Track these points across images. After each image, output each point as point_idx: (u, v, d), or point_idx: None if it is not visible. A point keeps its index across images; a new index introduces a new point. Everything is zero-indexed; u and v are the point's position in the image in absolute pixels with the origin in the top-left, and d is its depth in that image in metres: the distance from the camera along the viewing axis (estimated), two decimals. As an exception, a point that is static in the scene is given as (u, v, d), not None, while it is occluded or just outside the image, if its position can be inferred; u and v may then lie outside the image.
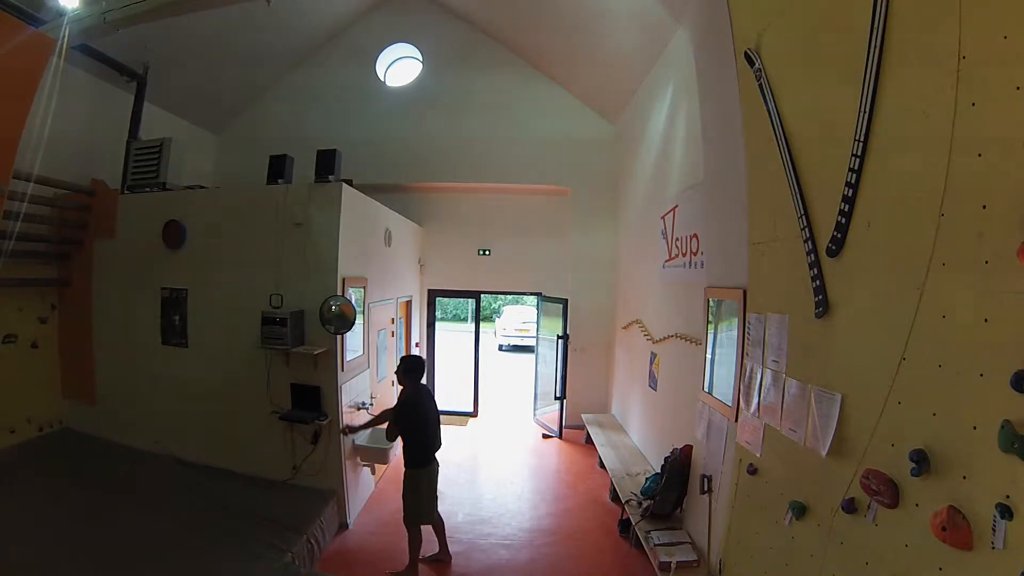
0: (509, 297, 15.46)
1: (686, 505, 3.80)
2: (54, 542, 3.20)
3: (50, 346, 4.90)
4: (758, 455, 2.60)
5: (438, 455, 3.84)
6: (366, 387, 4.85)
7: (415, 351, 7.31)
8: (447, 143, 7.00)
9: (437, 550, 3.91)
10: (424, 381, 3.95)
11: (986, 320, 1.35)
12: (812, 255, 2.14)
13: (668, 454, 3.96)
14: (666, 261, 4.66)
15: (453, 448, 6.46)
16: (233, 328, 4.36)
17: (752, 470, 2.65)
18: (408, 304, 7.00)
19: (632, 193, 6.27)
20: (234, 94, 6.94)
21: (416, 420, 3.69)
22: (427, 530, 3.82)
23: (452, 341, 11.79)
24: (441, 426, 3.91)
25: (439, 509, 3.90)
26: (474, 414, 7.78)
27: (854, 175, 1.86)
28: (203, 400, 4.51)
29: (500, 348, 15.51)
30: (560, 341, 6.97)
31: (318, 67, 7.15)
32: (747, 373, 2.74)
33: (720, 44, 3.00)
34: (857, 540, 1.83)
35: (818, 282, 2.10)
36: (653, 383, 4.96)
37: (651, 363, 5.01)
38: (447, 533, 3.97)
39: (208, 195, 4.82)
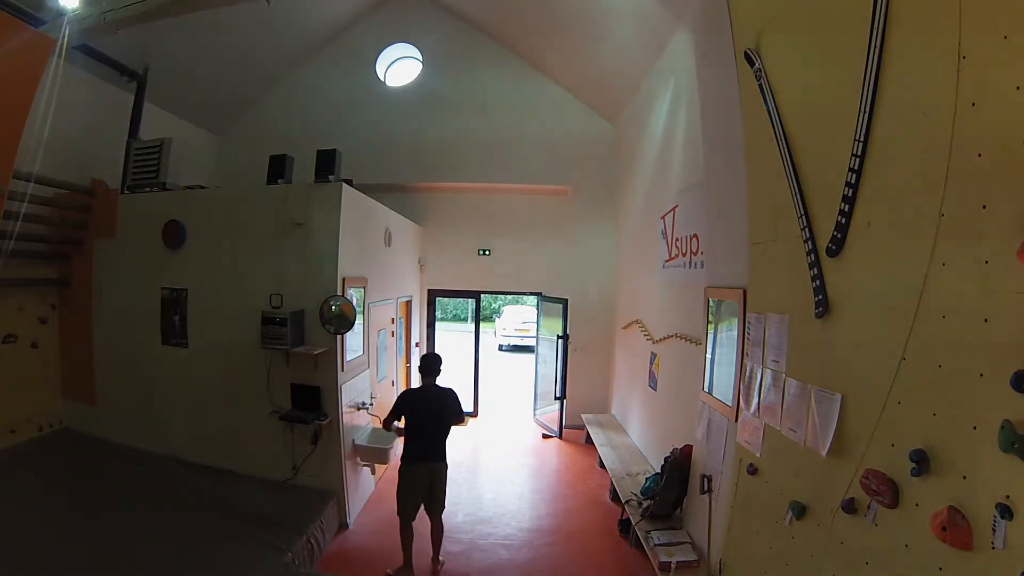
0: (509, 297, 15.45)
1: (686, 505, 3.80)
2: (54, 542, 3.20)
3: (50, 346, 4.90)
4: (758, 455, 2.60)
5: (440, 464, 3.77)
6: (366, 387, 4.85)
7: (415, 351, 7.32)
8: (447, 143, 7.00)
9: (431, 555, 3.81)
10: (438, 381, 3.94)
11: (986, 320, 1.35)
12: (812, 255, 2.14)
13: (668, 454, 3.96)
14: (666, 261, 4.66)
15: (453, 448, 6.44)
16: (233, 328, 4.36)
17: (752, 470, 2.65)
18: (408, 304, 7.00)
19: (632, 193, 6.26)
20: (234, 94, 6.94)
21: (408, 415, 3.76)
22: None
23: (452, 341, 11.79)
24: (437, 434, 3.78)
25: (442, 517, 3.81)
26: (474, 414, 7.77)
27: (854, 175, 1.86)
28: (203, 400, 4.51)
29: (500, 348, 15.51)
30: (560, 341, 6.97)
31: (318, 67, 7.15)
32: (747, 373, 2.74)
33: (720, 44, 3.00)
34: (857, 540, 1.83)
35: (818, 282, 2.10)
36: (653, 383, 4.96)
37: (651, 363, 5.01)
38: (447, 535, 3.94)
39: (208, 195, 4.82)
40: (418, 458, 3.70)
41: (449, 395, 3.89)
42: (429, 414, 3.77)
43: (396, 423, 3.82)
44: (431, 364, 3.93)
